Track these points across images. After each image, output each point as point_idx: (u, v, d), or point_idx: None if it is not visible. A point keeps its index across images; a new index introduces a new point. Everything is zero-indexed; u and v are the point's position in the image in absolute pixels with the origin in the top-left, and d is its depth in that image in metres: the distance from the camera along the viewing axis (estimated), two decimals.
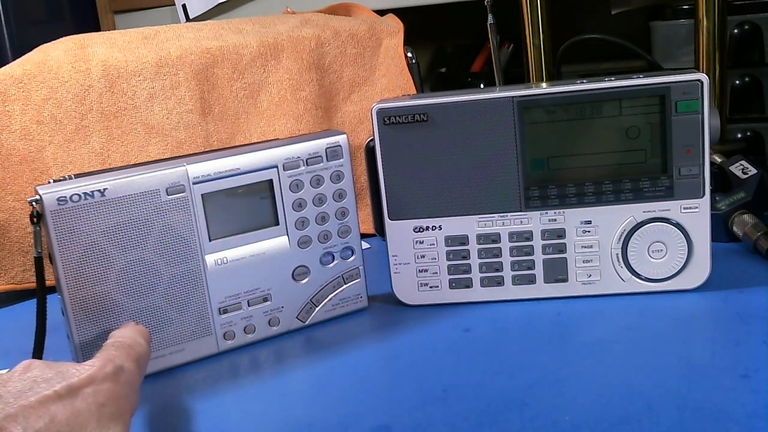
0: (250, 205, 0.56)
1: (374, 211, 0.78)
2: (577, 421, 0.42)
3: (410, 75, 0.87)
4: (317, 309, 0.59)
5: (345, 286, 0.60)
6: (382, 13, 0.94)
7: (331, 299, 0.60)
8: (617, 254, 0.59)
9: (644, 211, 0.58)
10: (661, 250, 0.58)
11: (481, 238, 0.60)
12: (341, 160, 0.59)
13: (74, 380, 0.40)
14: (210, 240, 0.55)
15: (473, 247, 0.60)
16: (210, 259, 0.55)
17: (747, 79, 0.91)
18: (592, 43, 0.94)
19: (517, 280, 0.60)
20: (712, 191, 0.57)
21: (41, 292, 0.53)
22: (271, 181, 0.56)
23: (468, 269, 0.60)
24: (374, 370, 0.53)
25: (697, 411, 0.42)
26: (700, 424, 0.41)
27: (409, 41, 0.88)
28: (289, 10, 1.03)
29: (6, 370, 0.41)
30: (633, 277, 0.59)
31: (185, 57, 0.80)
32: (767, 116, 0.90)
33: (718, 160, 0.73)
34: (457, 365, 0.51)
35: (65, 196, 0.50)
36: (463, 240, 0.60)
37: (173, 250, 0.53)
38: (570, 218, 0.58)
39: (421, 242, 0.61)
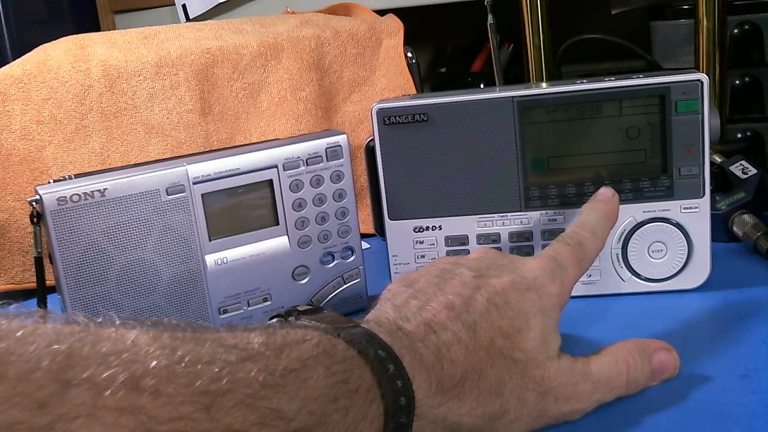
0: (250, 205, 0.56)
1: (374, 211, 0.78)
2: (576, 420, 0.42)
3: (410, 75, 0.87)
4: None
5: (345, 286, 0.60)
6: (382, 13, 0.94)
7: (331, 299, 0.60)
8: (617, 254, 0.59)
9: (644, 211, 0.58)
10: (661, 250, 0.58)
11: (481, 238, 0.60)
12: (341, 160, 0.59)
13: (525, 273, 0.43)
14: (210, 240, 0.55)
15: (473, 247, 0.60)
16: (210, 259, 0.55)
17: (747, 79, 0.90)
18: (592, 43, 0.94)
19: None
20: (712, 191, 0.57)
21: (41, 292, 0.53)
22: (271, 181, 0.56)
23: None
24: None
25: (697, 411, 0.42)
26: (700, 424, 0.41)
27: (409, 41, 0.88)
28: (289, 10, 1.03)
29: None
30: (633, 277, 0.59)
31: (185, 57, 0.80)
32: (767, 116, 0.90)
33: (718, 160, 0.73)
34: None
35: (65, 196, 0.50)
36: (463, 240, 0.60)
37: (173, 250, 0.53)
38: (570, 218, 0.58)
39: (421, 242, 0.61)
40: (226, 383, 0.30)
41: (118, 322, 0.31)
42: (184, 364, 0.29)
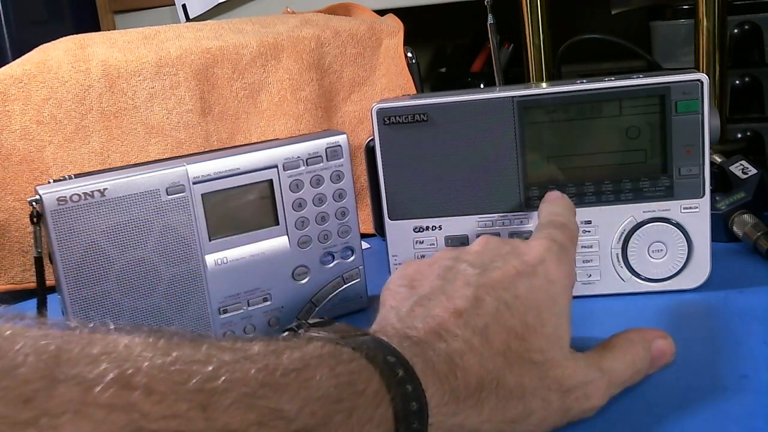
0: (250, 205, 0.56)
1: (374, 211, 0.78)
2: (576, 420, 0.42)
3: (410, 75, 0.87)
4: (317, 309, 0.59)
5: (345, 286, 0.60)
6: (382, 13, 0.94)
7: (331, 299, 0.60)
8: (617, 254, 0.59)
9: (644, 211, 0.58)
10: (661, 250, 0.58)
11: None
12: (341, 160, 0.59)
13: (529, 258, 0.42)
14: (210, 240, 0.55)
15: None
16: (210, 259, 0.55)
17: (747, 79, 0.90)
18: (592, 43, 0.94)
19: None
20: (712, 191, 0.57)
21: (41, 292, 0.53)
22: (271, 181, 0.56)
23: None
24: None
25: (697, 411, 0.42)
26: (700, 423, 0.41)
27: (409, 41, 0.88)
28: (289, 10, 1.03)
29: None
30: (633, 277, 0.59)
31: (185, 57, 0.80)
32: (767, 116, 0.90)
33: (718, 160, 0.73)
34: None
35: (65, 196, 0.50)
36: (463, 240, 0.60)
37: (173, 250, 0.53)
38: None
39: (421, 242, 0.61)
40: (222, 382, 0.29)
41: (112, 327, 0.30)
42: (178, 364, 0.29)
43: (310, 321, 0.41)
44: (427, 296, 0.41)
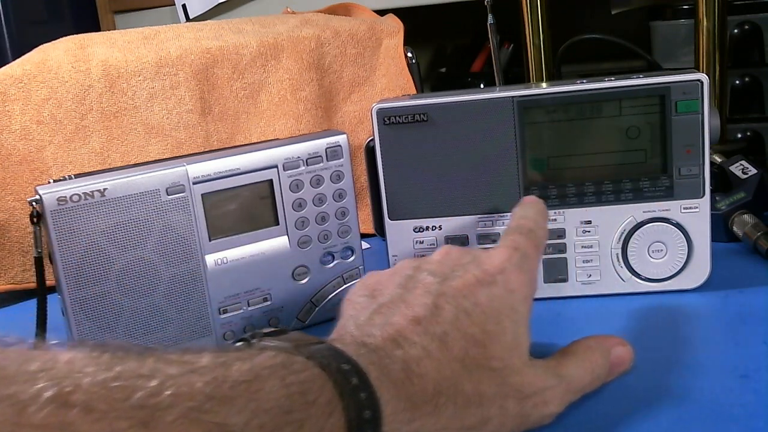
0: (250, 205, 0.56)
1: (374, 211, 0.78)
2: (576, 420, 0.42)
3: (410, 75, 0.87)
4: (317, 309, 0.59)
5: (345, 286, 0.60)
6: (382, 13, 0.94)
7: (331, 299, 0.60)
8: (617, 254, 0.59)
9: (644, 211, 0.58)
10: (661, 250, 0.58)
11: (481, 238, 0.60)
12: (341, 160, 0.59)
13: (489, 267, 0.42)
14: (210, 240, 0.55)
15: (474, 247, 0.60)
16: (210, 259, 0.55)
17: (747, 79, 0.90)
18: (592, 43, 0.94)
19: None
20: (712, 191, 0.57)
21: (41, 292, 0.53)
22: (271, 181, 0.56)
23: None
24: None
25: (697, 411, 0.42)
26: (700, 424, 0.41)
27: (409, 41, 0.88)
28: (289, 10, 1.03)
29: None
30: (633, 277, 0.59)
31: (185, 57, 0.80)
32: (767, 116, 0.90)
33: (718, 160, 0.73)
34: None
35: (65, 196, 0.50)
36: (463, 240, 0.60)
37: (173, 250, 0.53)
38: (570, 218, 0.58)
39: (421, 242, 0.61)
40: (167, 397, 0.28)
41: (53, 343, 0.30)
42: (121, 380, 0.28)
43: (264, 331, 0.41)
44: (386, 304, 0.40)
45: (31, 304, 0.53)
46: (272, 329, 0.41)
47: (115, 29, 1.07)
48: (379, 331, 0.38)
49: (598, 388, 0.44)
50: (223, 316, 0.56)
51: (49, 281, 0.52)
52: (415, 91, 0.86)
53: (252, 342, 0.39)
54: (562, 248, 0.59)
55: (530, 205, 0.50)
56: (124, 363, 0.29)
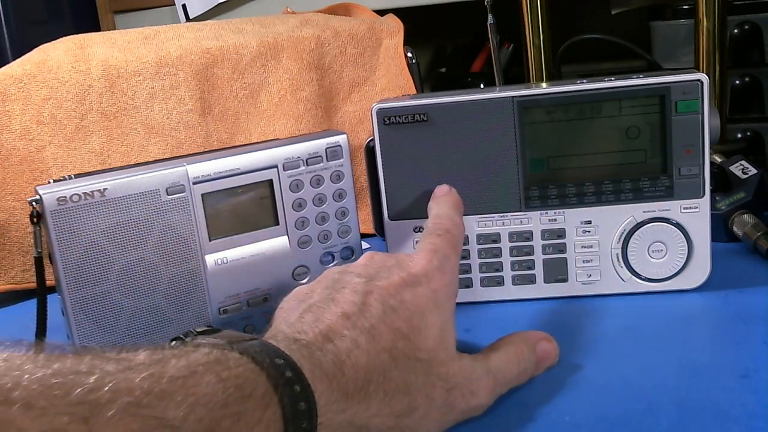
0: (250, 205, 0.56)
1: (374, 211, 0.77)
2: (577, 420, 0.42)
3: (410, 75, 0.87)
4: None
5: None
6: (382, 13, 0.94)
7: None
8: (617, 254, 0.59)
9: (644, 211, 0.58)
10: (661, 250, 0.58)
11: (481, 238, 0.60)
12: (341, 160, 0.59)
13: (413, 270, 0.44)
14: (210, 240, 0.55)
15: (473, 247, 0.60)
16: (210, 259, 0.55)
17: (747, 79, 0.91)
18: (592, 43, 0.94)
19: (517, 280, 0.60)
20: (712, 191, 0.57)
21: (41, 292, 0.53)
22: (271, 181, 0.56)
23: (468, 269, 0.60)
24: None
25: (697, 411, 0.42)
26: (700, 424, 0.41)
27: (409, 41, 0.88)
28: (289, 10, 1.03)
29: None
30: (633, 277, 0.59)
31: (185, 57, 0.80)
32: (767, 116, 0.90)
33: (718, 160, 0.73)
34: None
35: (65, 196, 0.50)
36: (463, 240, 0.60)
37: (173, 250, 0.53)
38: (570, 218, 0.58)
39: None
40: (105, 392, 0.28)
41: None
42: (59, 376, 0.28)
43: (197, 329, 0.42)
44: (316, 304, 0.42)
45: (31, 304, 0.53)
46: (205, 328, 0.42)
47: (115, 29, 1.07)
48: (310, 328, 0.39)
49: (526, 381, 0.46)
50: (223, 316, 0.56)
51: (49, 281, 0.52)
52: (415, 91, 0.86)
53: (186, 340, 0.40)
54: (562, 248, 0.59)
55: (443, 199, 0.52)
56: (61, 361, 0.29)
